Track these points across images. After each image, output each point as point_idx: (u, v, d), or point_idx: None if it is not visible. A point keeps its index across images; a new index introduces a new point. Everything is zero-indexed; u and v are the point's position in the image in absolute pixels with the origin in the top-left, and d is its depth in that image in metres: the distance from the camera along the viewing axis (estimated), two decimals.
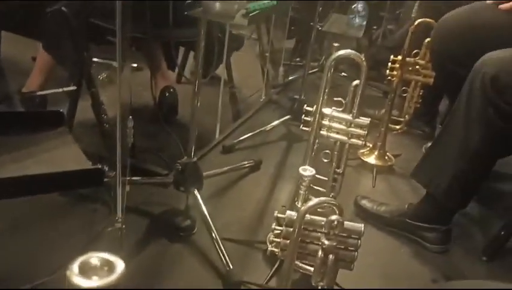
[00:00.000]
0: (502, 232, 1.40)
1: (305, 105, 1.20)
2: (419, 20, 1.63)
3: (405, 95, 1.81)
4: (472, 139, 1.24)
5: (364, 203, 1.52)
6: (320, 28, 2.02)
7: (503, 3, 1.32)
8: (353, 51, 1.12)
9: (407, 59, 1.70)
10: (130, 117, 1.28)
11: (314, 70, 2.48)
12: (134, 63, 2.44)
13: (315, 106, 1.18)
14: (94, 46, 1.80)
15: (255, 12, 1.11)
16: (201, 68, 1.32)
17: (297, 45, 2.81)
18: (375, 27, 2.99)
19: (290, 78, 2.45)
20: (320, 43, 2.66)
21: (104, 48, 1.83)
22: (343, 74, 2.45)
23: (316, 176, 1.14)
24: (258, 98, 2.25)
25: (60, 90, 1.66)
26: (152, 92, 1.99)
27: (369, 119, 1.15)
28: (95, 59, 2.16)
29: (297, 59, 2.75)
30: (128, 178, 1.25)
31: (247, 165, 1.70)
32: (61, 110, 1.08)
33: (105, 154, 1.43)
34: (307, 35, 1.99)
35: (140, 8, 1.53)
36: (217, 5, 1.07)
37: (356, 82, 1.15)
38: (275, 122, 1.98)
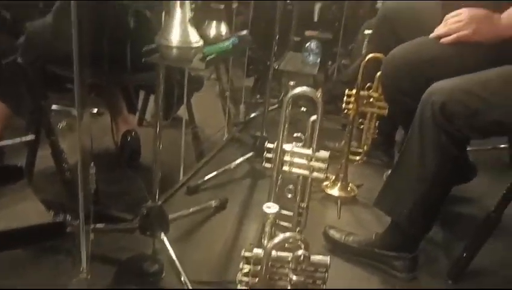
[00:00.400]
0: (464, 254, 1.44)
1: (266, 142, 1.22)
2: (370, 55, 1.71)
3: (362, 126, 1.87)
4: (428, 166, 1.29)
5: (333, 233, 1.54)
6: (276, 67, 2.09)
7: (445, 36, 1.40)
8: (308, 88, 1.16)
9: (361, 93, 1.77)
10: (92, 164, 1.27)
11: (274, 106, 2.53)
12: (95, 108, 2.43)
13: (276, 143, 1.20)
14: (53, 94, 1.79)
15: (211, 56, 1.14)
16: (161, 112, 1.34)
17: (256, 82, 2.88)
18: (330, 62, 3.10)
19: (252, 115, 2.50)
20: (278, 80, 2.73)
21: (64, 94, 1.82)
22: (302, 108, 2.51)
23: (282, 211, 1.15)
24: (221, 137, 2.27)
25: (18, 140, 1.63)
26: (113, 137, 1.99)
27: (329, 152, 1.18)
28: (54, 106, 2.14)
29: (258, 96, 2.81)
30: (92, 226, 1.23)
31: (213, 205, 1.70)
32: (19, 165, 1.07)
33: (68, 202, 1.41)
34: (265, 73, 2.05)
35: (98, 54, 1.55)
36: (174, 50, 1.10)
37: (313, 118, 1.19)
38: (239, 160, 1.99)
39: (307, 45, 2.03)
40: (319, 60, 2.05)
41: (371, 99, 1.77)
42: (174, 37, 1.09)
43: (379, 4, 2.65)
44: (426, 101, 1.24)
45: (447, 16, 1.41)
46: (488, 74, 1.20)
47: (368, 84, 1.78)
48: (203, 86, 2.20)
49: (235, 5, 1.94)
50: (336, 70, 3.00)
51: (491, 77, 1.19)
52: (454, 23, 1.37)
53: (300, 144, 1.21)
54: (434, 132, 1.24)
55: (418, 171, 1.31)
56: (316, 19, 2.72)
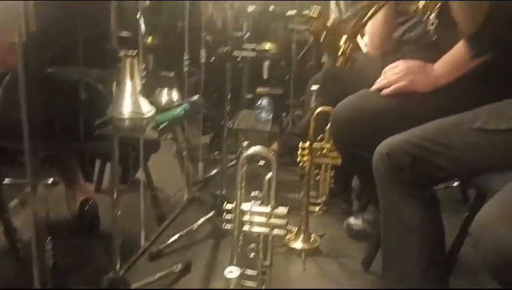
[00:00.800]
0: None
1: (225, 203, 1.24)
2: (318, 109, 1.79)
3: (319, 177, 1.92)
4: (409, 218, 1.27)
5: None
6: (231, 126, 2.14)
7: (385, 88, 1.48)
8: (262, 148, 1.20)
9: (314, 145, 1.82)
10: (49, 239, 1.24)
11: (233, 163, 2.56)
12: (50, 178, 2.37)
13: (234, 204, 1.22)
14: (5, 168, 1.75)
15: (164, 124, 1.17)
16: (118, 178, 1.34)
17: (213, 139, 2.91)
18: (284, 114, 3.19)
19: (211, 173, 2.51)
20: (235, 136, 2.77)
21: (16, 168, 1.78)
22: (260, 162, 2.55)
23: (246, 271, 1.15)
24: (181, 198, 2.26)
25: None
26: (69, 207, 1.95)
27: (287, 207, 1.21)
28: (6, 180, 2.08)
29: (216, 153, 2.84)
30: None
31: (177, 269, 1.67)
32: None
33: (25, 281, 1.35)
34: (221, 130, 2.09)
35: (50, 127, 1.55)
36: (127, 121, 1.12)
37: (269, 175, 1.22)
38: (200, 221, 1.98)
39: (259, 102, 2.10)
40: (271, 116, 2.12)
41: (324, 151, 1.83)
42: (126, 109, 1.12)
43: (325, 58, 2.79)
44: (376, 158, 1.28)
45: (386, 69, 1.50)
46: (428, 125, 1.26)
47: (321, 136, 1.84)
48: (160, 147, 2.20)
49: (186, 68, 1.99)
50: (290, 122, 3.08)
51: (430, 128, 1.25)
52: (392, 75, 1.46)
53: (259, 203, 1.24)
54: (394, 183, 1.26)
55: (403, 228, 1.29)
56: (265, 76, 2.83)
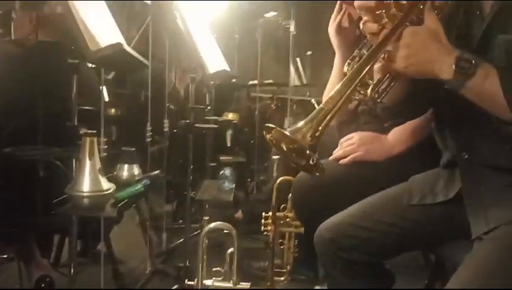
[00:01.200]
0: None
1: (186, 280, 1.22)
2: (280, 178, 1.81)
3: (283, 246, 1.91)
4: None
5: None
6: (194, 196, 2.15)
7: (342, 158, 1.53)
8: (223, 224, 1.20)
9: (277, 214, 1.83)
10: None
11: (197, 231, 2.52)
12: (3, 254, 2.26)
13: (196, 280, 1.20)
14: None
15: (124, 201, 1.16)
16: (76, 255, 1.31)
17: (177, 207, 2.87)
18: (249, 179, 3.20)
19: (174, 243, 2.46)
20: (199, 204, 2.75)
21: None
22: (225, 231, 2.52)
23: None
24: (144, 270, 2.19)
25: None
26: (24, 285, 1.85)
27: (249, 284, 1.20)
28: None
29: (180, 221, 2.79)
30: None
31: None
32: None
33: None
34: (185, 199, 2.07)
35: (6, 204, 1.50)
36: (85, 200, 1.11)
37: (230, 250, 1.22)
38: None
39: (221, 172, 2.14)
40: (233, 185, 2.15)
41: (288, 219, 1.83)
42: (85, 187, 1.11)
43: (286, 124, 2.87)
44: (320, 242, 1.26)
45: (342, 140, 1.56)
46: (367, 203, 1.25)
47: (283, 205, 1.85)
48: (123, 217, 2.16)
49: (148, 139, 2.01)
50: (255, 186, 3.10)
51: (368, 207, 1.24)
52: (348, 146, 1.52)
53: (221, 278, 1.22)
54: (340, 264, 1.23)
55: None
56: (229, 144, 2.88)
